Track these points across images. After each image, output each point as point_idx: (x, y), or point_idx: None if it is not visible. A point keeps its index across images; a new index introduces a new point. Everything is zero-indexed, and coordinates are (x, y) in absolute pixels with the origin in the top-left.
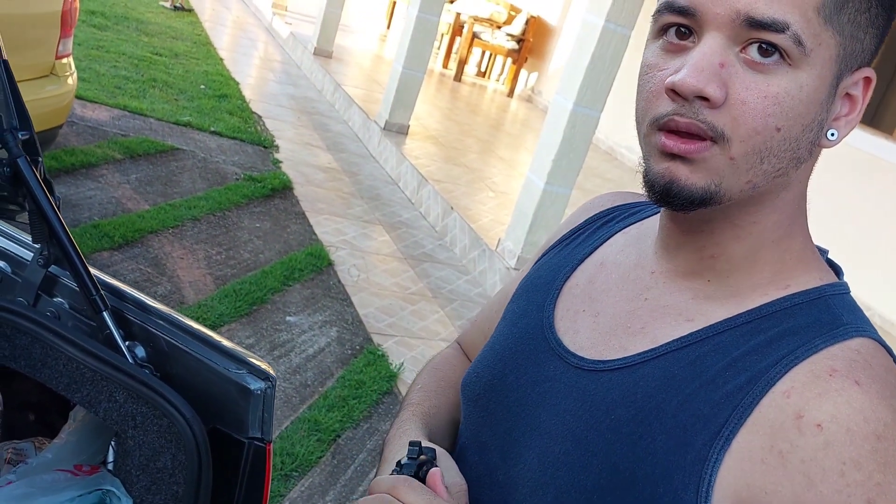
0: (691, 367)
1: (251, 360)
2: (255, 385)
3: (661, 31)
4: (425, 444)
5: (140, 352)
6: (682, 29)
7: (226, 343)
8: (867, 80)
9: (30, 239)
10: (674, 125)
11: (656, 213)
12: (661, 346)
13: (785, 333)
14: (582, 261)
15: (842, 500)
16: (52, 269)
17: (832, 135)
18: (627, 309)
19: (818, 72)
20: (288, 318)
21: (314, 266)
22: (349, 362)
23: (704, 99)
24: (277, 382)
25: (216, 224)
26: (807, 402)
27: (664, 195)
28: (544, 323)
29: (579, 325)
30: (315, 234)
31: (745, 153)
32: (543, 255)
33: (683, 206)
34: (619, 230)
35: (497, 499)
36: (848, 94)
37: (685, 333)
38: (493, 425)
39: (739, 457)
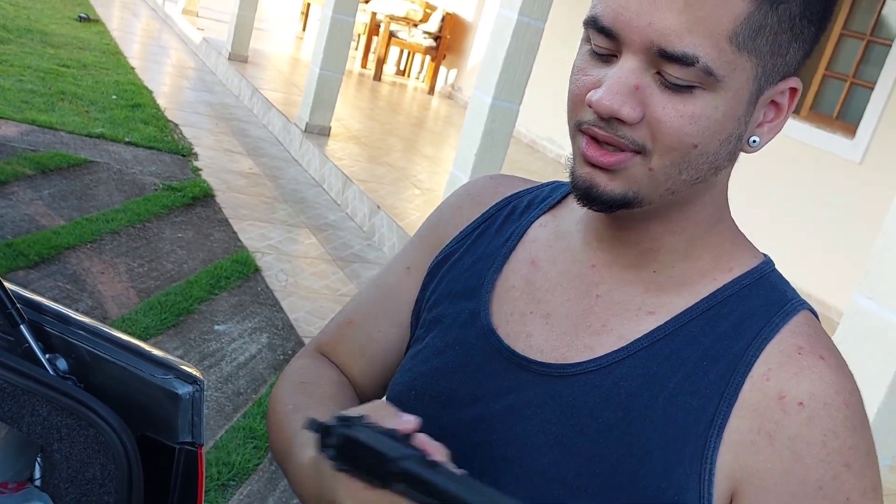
0: (669, 362)
1: (178, 365)
2: (183, 389)
3: (588, 38)
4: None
5: (62, 364)
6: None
7: (151, 350)
8: (793, 89)
9: None
10: (593, 134)
11: (556, 201)
12: (632, 343)
13: (745, 316)
14: (507, 257)
15: (824, 468)
16: None
17: (754, 142)
18: (581, 307)
19: (734, 93)
20: (216, 327)
21: (241, 273)
22: (282, 368)
23: (620, 119)
24: (209, 392)
25: (136, 236)
26: (786, 383)
27: (585, 198)
28: (485, 331)
29: (531, 329)
30: (240, 240)
31: (663, 166)
32: (449, 252)
33: (602, 208)
34: (531, 223)
35: None
36: (773, 102)
37: (652, 328)
38: (453, 442)
39: (732, 441)
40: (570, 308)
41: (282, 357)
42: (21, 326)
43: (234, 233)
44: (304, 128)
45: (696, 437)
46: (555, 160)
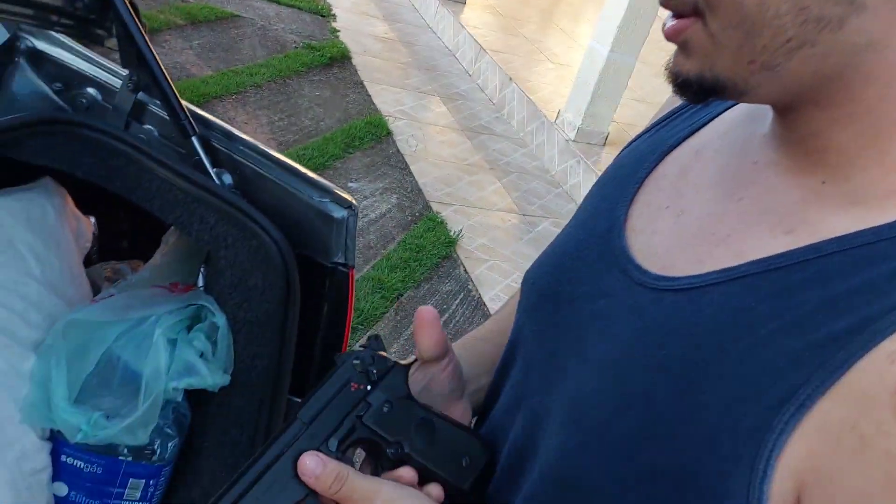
0: (775, 300)
1: (334, 189)
2: (339, 213)
3: None
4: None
5: (227, 178)
6: None
7: (310, 173)
8: None
9: (119, 67)
10: (662, 4)
11: None
12: (745, 264)
13: None
14: (675, 146)
15: None
16: (141, 96)
17: None
18: (717, 210)
19: None
20: (350, 184)
21: (373, 135)
22: (410, 227)
23: None
24: None
25: (277, 91)
26: None
27: (673, 87)
28: (615, 223)
29: (657, 226)
30: (374, 103)
31: (723, 28)
32: (632, 142)
33: (691, 97)
34: (729, 107)
35: (526, 428)
36: None
37: (780, 251)
38: (540, 342)
39: (812, 428)
40: (706, 208)
41: (410, 218)
42: (193, 138)
43: (369, 95)
44: None
45: (764, 410)
46: None
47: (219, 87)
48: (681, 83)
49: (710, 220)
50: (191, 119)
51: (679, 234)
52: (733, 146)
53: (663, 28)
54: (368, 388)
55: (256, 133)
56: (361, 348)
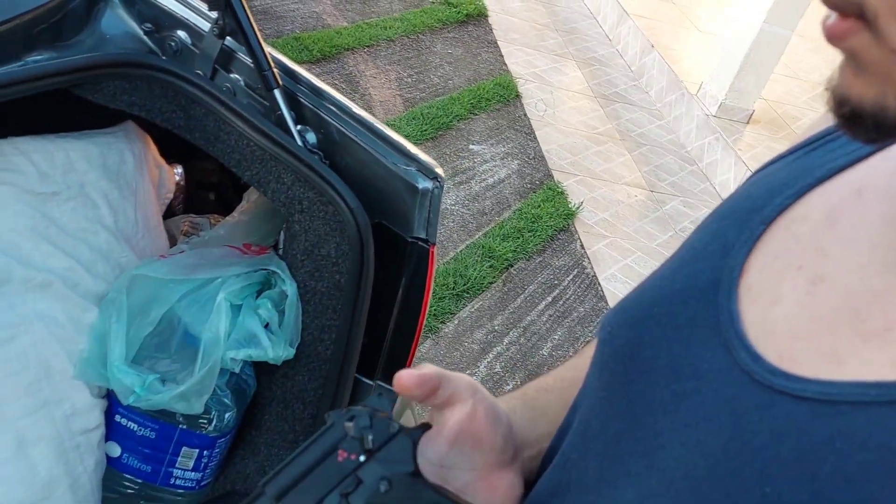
0: None
1: (422, 158)
2: (424, 184)
3: None
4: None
5: (311, 137)
6: None
7: (398, 139)
8: None
9: (206, 8)
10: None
11: None
12: None
13: None
14: (825, 178)
15: None
16: (230, 44)
17: None
18: (875, 285)
19: None
20: (471, 146)
21: (502, 97)
22: (527, 196)
23: None
24: (455, 207)
25: (409, 46)
26: None
27: (842, 122)
28: (724, 276)
29: (783, 292)
30: (506, 64)
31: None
32: (771, 163)
33: (865, 138)
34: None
35: None
36: None
37: None
38: (604, 418)
39: None
40: (859, 279)
41: (529, 186)
42: (275, 91)
43: (502, 56)
44: None
45: None
46: None
47: (351, 39)
48: (848, 114)
49: (864, 300)
50: (275, 71)
51: (812, 311)
52: None
53: (823, 24)
54: (361, 458)
55: (384, 88)
56: (362, 407)
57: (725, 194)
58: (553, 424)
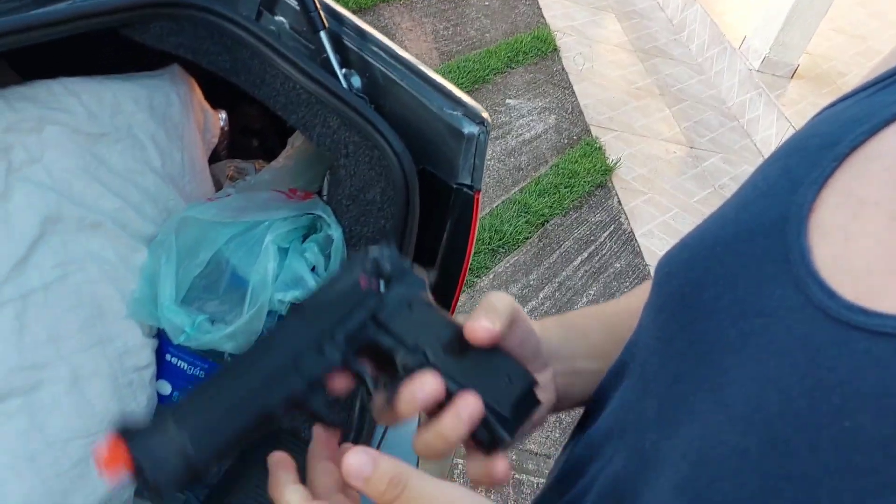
0: None
1: (467, 102)
2: (469, 129)
3: None
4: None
5: (356, 81)
6: None
7: (443, 82)
8: None
9: None
10: None
11: None
12: None
13: None
14: None
15: None
16: None
17: None
18: None
19: None
20: (508, 100)
21: (539, 50)
22: (564, 151)
23: None
24: (491, 162)
25: None
26: None
27: None
28: (792, 213)
29: (858, 228)
30: (543, 17)
31: None
32: (839, 101)
33: None
34: None
35: (629, 470)
36: None
37: None
38: (663, 359)
39: None
40: None
41: (566, 141)
42: (321, 33)
43: (539, 8)
44: None
45: None
46: None
47: None
48: None
49: None
50: (321, 12)
51: (892, 247)
52: None
53: None
54: (382, 286)
55: (419, 41)
56: (379, 247)
57: (767, 151)
58: (591, 347)
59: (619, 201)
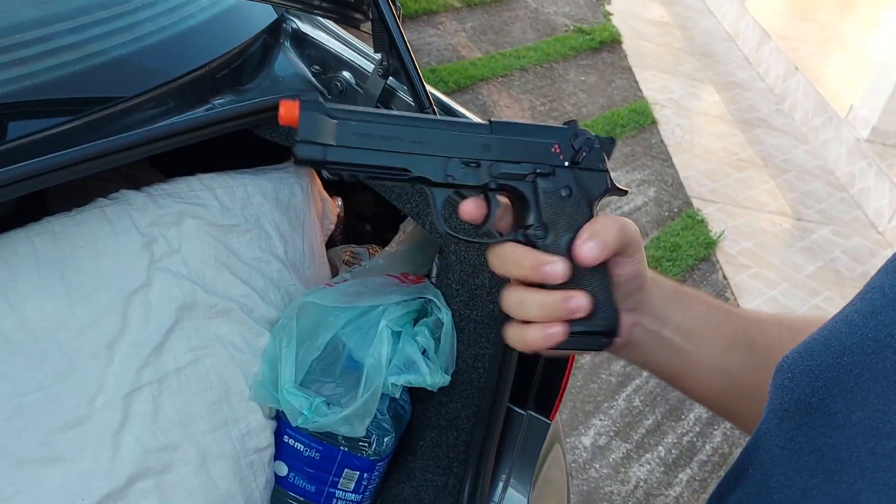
0: None
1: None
2: None
3: None
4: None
5: None
6: None
7: None
8: None
9: (371, 51)
10: None
11: None
12: None
13: None
14: None
15: None
16: (391, 82)
17: None
18: None
19: None
20: None
21: (637, 123)
22: (665, 224)
23: None
24: None
25: (543, 75)
26: None
27: None
28: None
29: None
30: (640, 90)
31: None
32: None
33: None
34: None
35: None
36: None
37: None
38: (788, 469)
39: None
40: None
41: (667, 213)
42: None
43: (636, 81)
44: None
45: None
46: None
47: (486, 70)
48: None
49: None
50: (435, 108)
51: None
52: None
53: None
54: (566, 162)
55: (517, 118)
56: (592, 135)
57: (879, 222)
58: (689, 321)
59: (724, 276)
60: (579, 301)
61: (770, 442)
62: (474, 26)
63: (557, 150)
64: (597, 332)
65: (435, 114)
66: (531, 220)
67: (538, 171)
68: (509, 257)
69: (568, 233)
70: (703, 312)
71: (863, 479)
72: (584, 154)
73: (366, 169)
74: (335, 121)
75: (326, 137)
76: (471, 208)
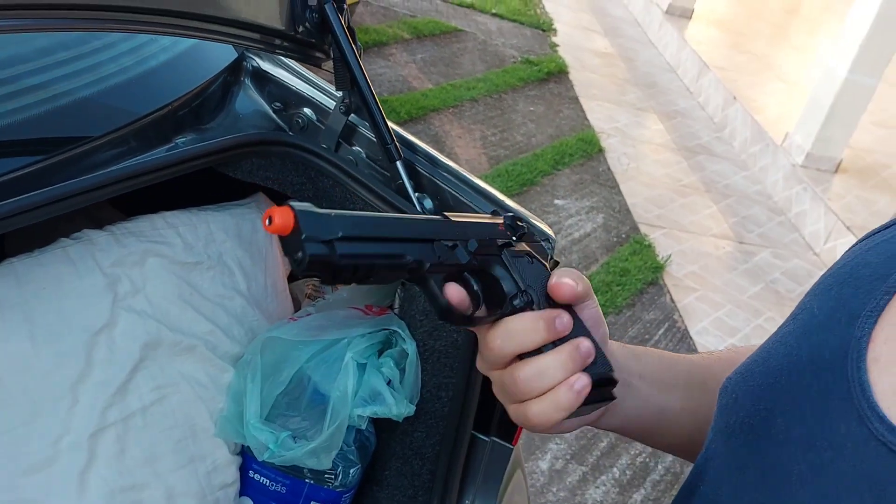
0: None
1: (532, 220)
2: None
3: None
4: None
5: (428, 203)
6: None
7: (508, 202)
8: None
9: (332, 88)
10: None
11: None
12: None
13: None
14: None
15: None
16: (352, 118)
17: None
18: None
19: None
20: (556, 201)
21: (584, 152)
22: (615, 249)
23: None
24: None
25: (493, 106)
26: None
27: None
28: (851, 347)
29: None
30: (587, 119)
31: None
32: (884, 228)
33: None
34: None
35: None
36: None
37: None
38: (735, 484)
39: None
40: None
41: (615, 239)
42: (397, 163)
43: (583, 111)
44: (665, 8)
45: None
46: None
47: (437, 101)
48: None
49: None
50: (397, 144)
51: None
52: None
53: None
54: (514, 238)
55: (469, 147)
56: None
57: (816, 245)
58: (648, 369)
59: (671, 298)
60: (585, 344)
61: (718, 460)
62: (424, 58)
63: (503, 228)
64: (604, 378)
65: (398, 149)
66: (512, 289)
67: (503, 241)
68: (518, 329)
69: (543, 294)
70: (655, 359)
71: (803, 491)
72: (523, 229)
73: (371, 258)
74: (333, 214)
75: (330, 232)
76: (457, 291)
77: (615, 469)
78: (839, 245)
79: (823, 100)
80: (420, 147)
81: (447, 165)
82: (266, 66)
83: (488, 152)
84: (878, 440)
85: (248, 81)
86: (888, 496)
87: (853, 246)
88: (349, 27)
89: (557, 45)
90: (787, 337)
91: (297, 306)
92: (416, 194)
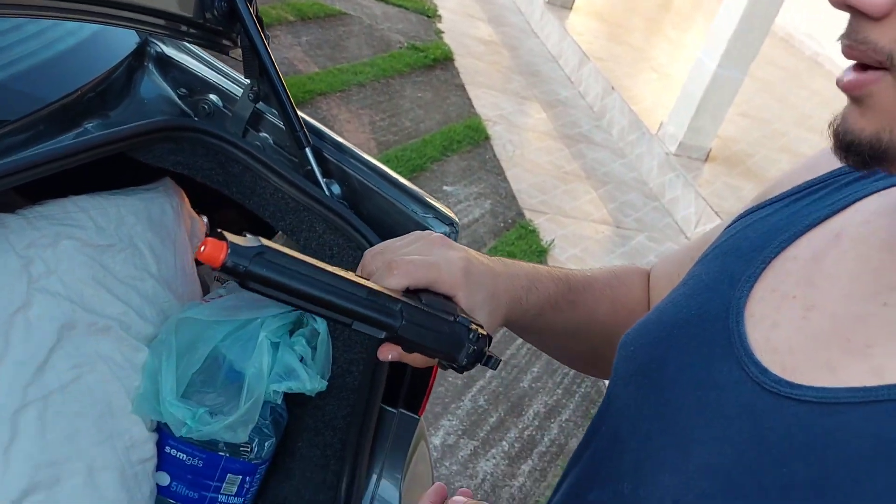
0: None
1: (437, 206)
2: (440, 229)
3: None
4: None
5: (336, 189)
6: None
7: (414, 188)
8: None
9: (238, 75)
10: (845, 53)
11: None
12: (888, 386)
13: None
14: (812, 226)
15: None
16: (259, 105)
17: None
18: (855, 311)
19: None
20: (445, 187)
21: (472, 139)
22: (502, 234)
23: (860, 13)
24: None
25: (380, 91)
26: None
27: (837, 147)
28: (732, 304)
29: (780, 317)
30: (473, 107)
31: None
32: (760, 207)
33: (857, 161)
34: (876, 190)
35: None
36: None
37: None
38: (634, 421)
39: None
40: (841, 307)
41: (502, 224)
42: (306, 150)
43: (469, 99)
44: None
45: None
46: (811, 58)
47: (324, 85)
48: (848, 143)
49: (847, 323)
50: (306, 131)
51: (806, 332)
52: (876, 236)
53: (840, 81)
54: (464, 362)
55: (358, 132)
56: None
57: (687, 229)
58: (543, 273)
59: None
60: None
61: (619, 402)
62: (309, 40)
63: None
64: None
65: (307, 136)
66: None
67: (468, 351)
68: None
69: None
70: (552, 286)
71: (693, 420)
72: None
73: (288, 290)
74: (263, 249)
75: (251, 255)
76: (388, 350)
77: (504, 442)
78: (708, 229)
79: (695, 92)
80: (327, 134)
81: (354, 152)
82: (170, 51)
83: (377, 137)
84: (753, 381)
85: (151, 67)
86: (762, 422)
87: (733, 222)
88: (258, 16)
89: (442, 32)
90: (678, 298)
91: (205, 290)
92: (325, 180)
